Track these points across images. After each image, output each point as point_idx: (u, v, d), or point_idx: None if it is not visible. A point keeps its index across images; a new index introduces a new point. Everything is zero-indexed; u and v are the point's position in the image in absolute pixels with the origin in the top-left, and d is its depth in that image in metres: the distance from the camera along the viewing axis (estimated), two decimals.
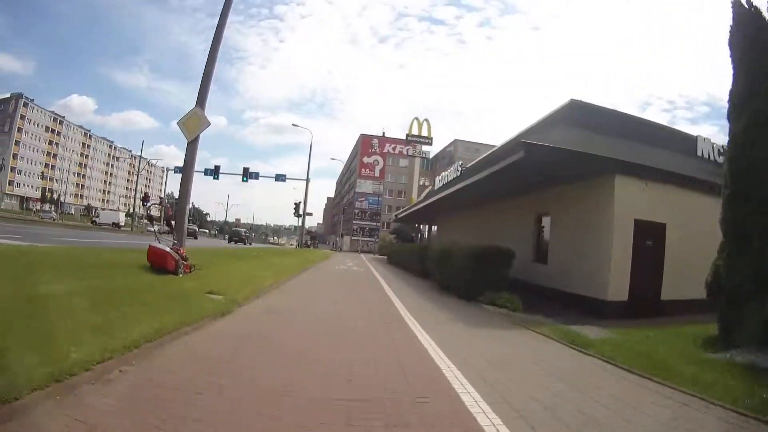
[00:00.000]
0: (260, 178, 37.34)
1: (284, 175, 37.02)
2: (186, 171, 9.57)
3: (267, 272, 11.29)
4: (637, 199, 9.32)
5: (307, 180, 36.43)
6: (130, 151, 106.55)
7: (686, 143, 12.05)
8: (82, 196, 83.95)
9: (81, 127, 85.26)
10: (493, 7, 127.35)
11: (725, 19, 6.02)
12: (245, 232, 48.38)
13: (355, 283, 13.15)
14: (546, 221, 12.38)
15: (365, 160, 76.88)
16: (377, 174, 76.56)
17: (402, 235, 40.87)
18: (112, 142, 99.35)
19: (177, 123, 9.01)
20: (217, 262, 11.17)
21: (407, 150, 49.30)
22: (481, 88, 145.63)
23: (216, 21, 9.87)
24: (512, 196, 14.11)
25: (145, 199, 45.10)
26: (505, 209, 15.14)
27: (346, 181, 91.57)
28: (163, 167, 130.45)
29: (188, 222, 12.18)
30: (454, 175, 17.92)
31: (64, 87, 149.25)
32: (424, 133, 49.99)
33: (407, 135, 49.29)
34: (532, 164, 9.10)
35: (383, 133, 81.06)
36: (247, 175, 37.12)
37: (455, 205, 19.52)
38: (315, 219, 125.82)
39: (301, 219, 37.31)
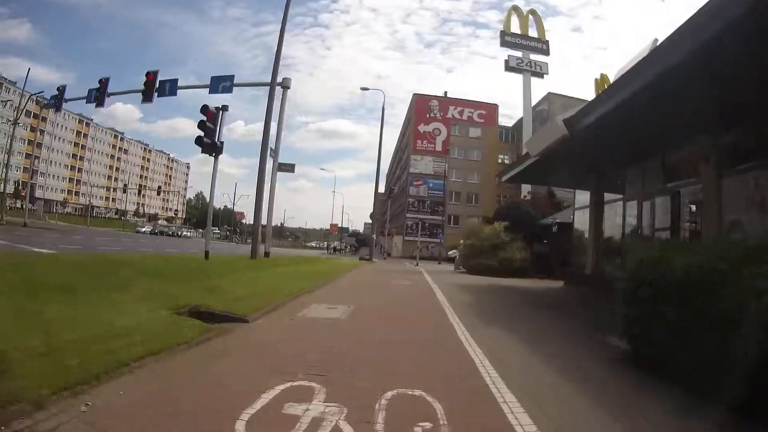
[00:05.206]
0: (178, 92, 16.23)
1: (231, 76, 15.46)
2: None
3: None
4: None
5: (273, 84, 14.36)
6: (147, 144, 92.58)
7: None
8: (77, 193, 69.87)
9: (80, 114, 71.16)
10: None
11: None
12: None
13: None
14: None
15: (421, 128, 53.90)
16: (439, 147, 53.21)
17: (520, 219, 17.20)
18: (122, 133, 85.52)
19: None
20: None
21: (506, 59, 25.37)
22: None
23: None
24: None
25: None
26: None
27: (396, 164, 69.31)
28: (187, 163, 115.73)
29: None
30: None
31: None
32: (532, 34, 25.95)
33: (502, 32, 25.61)
34: None
35: (445, 93, 58.00)
36: (152, 89, 16.22)
37: None
38: (363, 219, 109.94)
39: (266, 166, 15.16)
